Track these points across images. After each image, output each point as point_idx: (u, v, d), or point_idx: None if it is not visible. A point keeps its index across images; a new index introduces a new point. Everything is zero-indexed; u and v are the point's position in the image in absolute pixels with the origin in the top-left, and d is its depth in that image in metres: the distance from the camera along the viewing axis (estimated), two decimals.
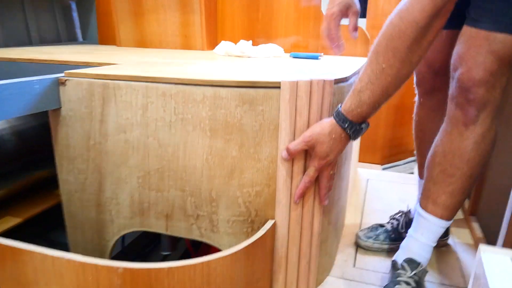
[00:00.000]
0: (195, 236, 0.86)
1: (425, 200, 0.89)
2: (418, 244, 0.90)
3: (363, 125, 0.73)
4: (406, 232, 1.07)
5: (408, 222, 1.11)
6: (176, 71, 0.85)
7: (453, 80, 0.81)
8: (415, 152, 1.15)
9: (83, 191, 0.90)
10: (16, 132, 1.24)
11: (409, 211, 1.14)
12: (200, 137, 0.77)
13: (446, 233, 1.15)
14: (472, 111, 0.79)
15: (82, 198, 0.91)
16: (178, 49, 1.65)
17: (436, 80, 0.99)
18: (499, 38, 0.73)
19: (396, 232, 1.11)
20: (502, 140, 1.15)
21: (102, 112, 0.82)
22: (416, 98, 1.07)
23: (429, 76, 1.00)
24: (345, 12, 0.90)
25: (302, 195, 0.79)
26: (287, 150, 0.74)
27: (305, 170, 0.78)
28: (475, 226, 1.22)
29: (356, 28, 0.88)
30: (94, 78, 0.81)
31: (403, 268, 0.89)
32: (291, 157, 0.75)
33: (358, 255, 1.11)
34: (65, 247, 1.34)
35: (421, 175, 1.12)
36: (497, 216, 1.14)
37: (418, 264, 0.89)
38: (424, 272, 0.90)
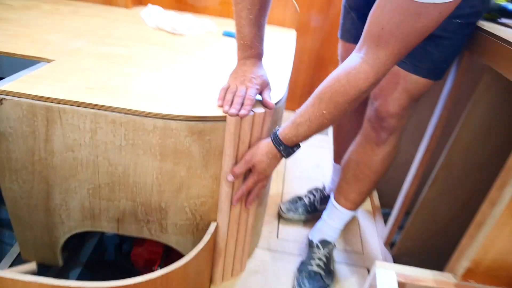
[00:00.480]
0: (145, 235, 0.96)
1: (338, 195, 1.09)
2: (330, 228, 1.12)
3: (295, 148, 0.84)
4: (321, 206, 1.30)
5: (323, 198, 1.32)
6: (121, 88, 0.86)
7: (372, 106, 0.95)
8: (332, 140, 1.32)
9: (30, 198, 0.93)
10: None
11: (323, 188, 1.35)
12: (150, 160, 0.84)
13: None
14: (383, 135, 0.96)
15: (29, 204, 0.94)
16: (98, 4, 1.55)
17: None
18: (414, 79, 0.88)
19: (313, 206, 1.33)
20: (410, 141, 1.37)
21: (46, 132, 0.82)
22: None
23: None
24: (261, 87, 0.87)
25: (239, 200, 0.92)
26: (233, 173, 0.85)
27: (243, 181, 0.91)
28: (375, 195, 1.49)
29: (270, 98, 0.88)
30: (35, 100, 0.79)
31: (317, 247, 1.11)
32: (236, 178, 0.86)
33: (280, 226, 1.31)
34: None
35: (335, 160, 1.31)
36: (393, 187, 1.41)
37: (329, 243, 1.11)
38: (334, 248, 1.13)
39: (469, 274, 0.75)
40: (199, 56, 1.13)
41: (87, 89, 0.84)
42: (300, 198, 1.36)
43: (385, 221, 1.42)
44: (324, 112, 0.75)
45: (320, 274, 1.09)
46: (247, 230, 1.02)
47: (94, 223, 0.95)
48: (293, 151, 0.85)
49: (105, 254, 1.31)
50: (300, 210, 1.33)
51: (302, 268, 1.10)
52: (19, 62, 0.99)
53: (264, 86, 0.86)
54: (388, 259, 1.20)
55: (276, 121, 0.95)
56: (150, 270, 1.20)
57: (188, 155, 0.83)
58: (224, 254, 1.01)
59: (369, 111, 0.97)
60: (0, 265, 1.05)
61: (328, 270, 1.11)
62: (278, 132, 0.83)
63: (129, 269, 1.24)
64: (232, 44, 1.28)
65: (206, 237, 0.90)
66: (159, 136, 0.81)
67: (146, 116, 0.79)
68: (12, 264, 1.06)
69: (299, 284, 1.07)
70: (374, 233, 1.33)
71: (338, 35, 1.12)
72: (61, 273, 1.16)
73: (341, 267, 1.17)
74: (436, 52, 0.85)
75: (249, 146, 0.86)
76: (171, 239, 0.96)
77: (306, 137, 0.81)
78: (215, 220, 0.95)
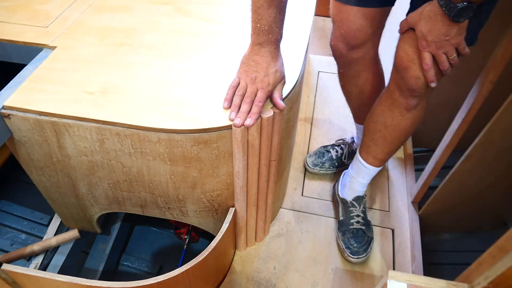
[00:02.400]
0: (168, 217, 1.01)
1: (365, 154, 1.06)
2: (360, 184, 1.13)
3: (460, 4, 0.66)
4: (348, 160, 1.27)
5: (351, 153, 1.28)
6: (121, 90, 0.82)
7: (400, 75, 0.85)
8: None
9: (58, 187, 0.98)
10: None
11: (352, 143, 1.29)
12: (161, 164, 0.83)
13: None
14: (414, 101, 0.89)
15: (59, 191, 1.00)
16: None
17: (353, 54, 1.00)
18: None
19: (340, 161, 1.29)
20: (449, 79, 1.23)
21: (57, 140, 0.83)
22: (337, 68, 1.09)
23: (346, 52, 1.00)
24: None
25: (435, 78, 0.79)
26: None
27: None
28: (409, 141, 1.41)
29: (282, 97, 0.79)
30: (40, 115, 0.78)
31: (353, 205, 1.14)
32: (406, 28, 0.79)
33: (306, 180, 1.31)
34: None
35: (356, 121, 1.23)
36: (430, 127, 1.33)
37: (362, 197, 1.14)
38: (365, 199, 1.17)
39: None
40: (207, 19, 1.01)
41: (88, 94, 0.80)
42: (327, 151, 1.32)
43: (416, 163, 1.37)
44: None
45: (361, 229, 1.12)
46: (267, 208, 1.04)
47: (120, 207, 1.01)
48: (456, 8, 0.67)
49: None
50: (327, 164, 1.30)
51: (344, 228, 1.13)
52: (22, 48, 0.96)
53: (277, 83, 0.77)
54: (414, 219, 1.19)
55: (295, 100, 0.88)
56: (182, 224, 1.29)
57: (197, 160, 0.81)
58: (246, 230, 1.06)
59: (399, 80, 0.87)
60: (47, 233, 1.18)
61: (367, 222, 1.15)
62: None
63: (163, 221, 1.35)
64: None
65: (225, 226, 0.93)
66: (165, 146, 0.78)
67: (149, 130, 0.76)
68: (58, 231, 1.19)
69: (347, 246, 1.11)
70: (402, 186, 1.30)
71: None
72: (104, 228, 1.29)
73: None
74: (474, 20, 0.72)
75: (260, 149, 0.82)
76: (193, 221, 1.01)
77: None
78: (233, 205, 0.96)
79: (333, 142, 1.36)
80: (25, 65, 0.91)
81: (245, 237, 1.08)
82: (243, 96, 0.76)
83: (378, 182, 1.31)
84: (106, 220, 1.30)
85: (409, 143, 1.40)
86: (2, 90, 0.83)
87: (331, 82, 1.66)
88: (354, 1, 0.91)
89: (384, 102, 0.96)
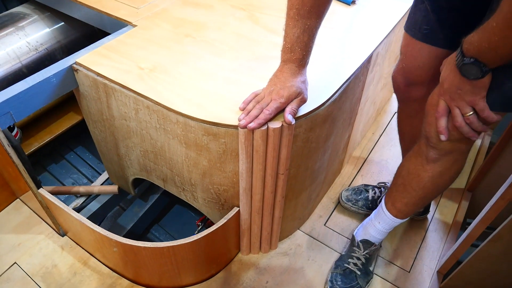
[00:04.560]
0: (183, 198, 1.09)
1: (387, 198, 1.00)
2: (375, 229, 1.06)
3: (466, 59, 0.61)
4: None
5: None
6: (167, 72, 0.92)
7: (423, 120, 0.80)
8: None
9: (106, 143, 1.13)
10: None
11: None
12: (178, 145, 0.91)
13: (425, 210, 1.24)
14: (432, 153, 0.82)
15: (107, 146, 1.15)
16: None
17: (411, 91, 0.95)
18: None
19: (374, 203, 1.23)
20: None
21: (107, 101, 0.97)
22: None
23: (403, 87, 0.95)
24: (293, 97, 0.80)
25: (446, 131, 0.74)
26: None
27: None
28: (464, 205, 1.27)
29: (295, 113, 0.80)
30: (97, 75, 0.92)
31: (358, 246, 1.08)
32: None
33: (334, 212, 1.28)
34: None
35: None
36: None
37: (372, 244, 1.07)
38: (377, 249, 1.09)
39: None
40: (271, 29, 1.07)
41: (139, 68, 0.93)
42: (366, 190, 1.27)
43: None
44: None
45: (355, 273, 1.07)
46: (273, 221, 1.05)
47: (148, 175, 1.12)
48: (462, 61, 0.62)
49: None
50: (360, 203, 1.25)
51: (339, 263, 1.10)
52: (114, 21, 1.13)
53: (291, 98, 0.79)
54: None
55: (310, 129, 0.88)
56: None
57: (207, 150, 0.87)
58: (249, 235, 1.08)
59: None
60: (95, 182, 1.36)
61: (365, 271, 1.08)
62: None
63: None
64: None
65: (223, 221, 0.97)
66: (182, 128, 0.86)
67: (169, 110, 0.84)
68: (104, 183, 1.36)
69: (331, 280, 1.07)
70: (436, 252, 1.18)
71: (404, 26, 0.92)
72: (144, 195, 1.43)
73: (376, 280, 1.11)
74: (496, 89, 0.64)
75: (266, 158, 0.85)
76: (203, 209, 1.07)
77: (478, 49, 0.60)
78: (238, 205, 1.00)
79: None
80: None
81: (248, 242, 1.11)
82: (257, 103, 0.80)
83: (411, 239, 1.21)
84: (149, 188, 1.44)
85: (461, 210, 1.26)
86: (81, 50, 1.00)
87: None
88: (421, 37, 0.88)
89: (414, 148, 0.91)
